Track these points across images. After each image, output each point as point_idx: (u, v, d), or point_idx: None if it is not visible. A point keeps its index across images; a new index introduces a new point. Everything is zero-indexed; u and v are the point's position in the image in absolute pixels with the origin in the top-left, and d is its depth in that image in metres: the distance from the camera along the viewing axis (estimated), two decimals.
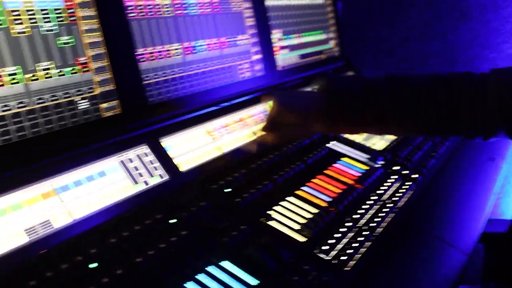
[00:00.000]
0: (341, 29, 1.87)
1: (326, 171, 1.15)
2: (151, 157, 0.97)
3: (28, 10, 0.83)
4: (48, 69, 0.86)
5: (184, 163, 1.01)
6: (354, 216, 0.98)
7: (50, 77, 0.86)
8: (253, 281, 0.74)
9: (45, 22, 0.85)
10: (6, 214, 0.73)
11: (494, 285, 1.24)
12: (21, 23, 0.82)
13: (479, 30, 2.01)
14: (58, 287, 0.65)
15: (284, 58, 1.50)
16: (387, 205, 1.05)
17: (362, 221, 0.98)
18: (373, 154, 1.28)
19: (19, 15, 0.81)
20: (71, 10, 0.90)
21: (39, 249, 0.72)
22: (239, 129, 1.19)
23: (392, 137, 1.46)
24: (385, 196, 1.10)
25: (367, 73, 1.98)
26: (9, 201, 0.74)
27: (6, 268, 0.67)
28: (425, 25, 2.11)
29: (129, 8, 1.01)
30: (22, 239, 0.72)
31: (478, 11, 1.99)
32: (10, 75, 0.80)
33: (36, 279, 0.65)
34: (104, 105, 0.95)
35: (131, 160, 0.94)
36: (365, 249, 0.89)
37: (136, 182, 0.91)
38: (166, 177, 0.96)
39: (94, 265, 0.70)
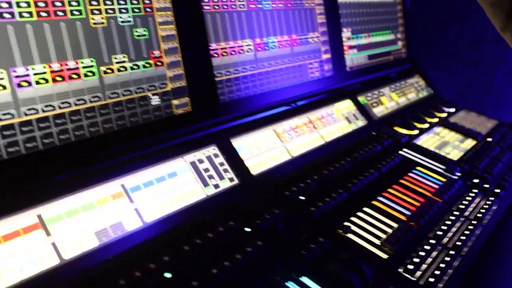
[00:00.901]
0: (408, 29, 1.77)
1: (401, 181, 1.06)
2: (221, 158, 0.92)
3: (106, 0, 0.79)
4: (122, 62, 0.82)
5: (255, 166, 0.95)
6: (437, 233, 0.90)
7: (124, 70, 0.82)
8: None
9: (121, 13, 0.82)
10: (76, 215, 0.69)
11: None
12: (99, 13, 0.78)
13: None
14: None
15: (352, 58, 1.42)
16: (472, 222, 0.96)
17: (446, 239, 0.90)
18: (450, 164, 1.19)
19: (98, 5, 0.78)
20: (148, 1, 0.86)
21: (110, 254, 0.68)
22: (308, 132, 1.12)
23: (467, 147, 1.36)
24: (467, 212, 1.01)
25: (433, 76, 1.87)
26: (78, 201, 0.70)
27: (75, 272, 0.63)
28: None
29: (204, 0, 0.96)
30: (92, 242, 0.68)
31: None
32: (85, 67, 0.76)
33: (109, 286, 0.61)
34: (176, 102, 0.90)
35: (201, 161, 0.89)
36: (452, 270, 0.81)
37: (206, 185, 0.86)
38: (236, 180, 0.90)
39: (169, 275, 0.65)
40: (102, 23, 0.78)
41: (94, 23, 0.78)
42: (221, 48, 1.00)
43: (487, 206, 1.04)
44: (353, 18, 1.43)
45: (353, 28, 1.43)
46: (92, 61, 0.77)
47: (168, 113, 0.89)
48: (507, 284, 0.86)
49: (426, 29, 2.16)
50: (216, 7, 0.99)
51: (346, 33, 1.40)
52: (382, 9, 1.60)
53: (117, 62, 0.81)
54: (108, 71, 0.80)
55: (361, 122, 1.30)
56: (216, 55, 0.98)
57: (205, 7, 0.96)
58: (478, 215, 1.00)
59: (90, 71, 0.77)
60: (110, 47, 0.80)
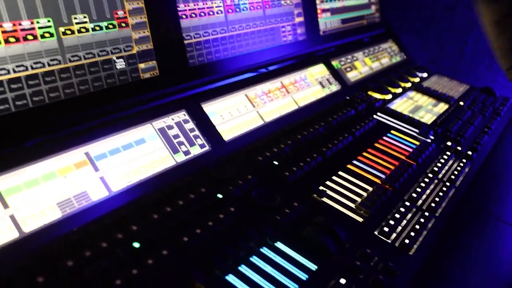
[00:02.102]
0: None
1: (376, 145, 1.05)
2: (191, 124, 0.88)
3: None
4: (83, 22, 0.76)
5: (227, 132, 0.92)
6: (412, 195, 0.90)
7: (86, 32, 0.77)
8: (311, 266, 0.66)
9: None
10: (36, 185, 0.65)
11: None
12: None
13: None
14: (99, 269, 0.57)
15: (326, 22, 1.39)
16: (446, 184, 0.96)
17: (420, 201, 0.89)
18: (424, 128, 1.18)
19: None
20: None
21: (75, 225, 0.65)
22: (281, 97, 1.09)
23: (440, 111, 1.36)
24: (441, 174, 1.01)
25: (406, 41, 1.85)
26: (39, 171, 0.66)
27: (37, 246, 0.60)
28: None
29: None
30: (54, 214, 0.64)
31: None
32: (42, 27, 0.71)
33: (74, 258, 0.57)
34: (142, 66, 0.86)
35: (170, 127, 0.85)
36: (426, 231, 0.81)
37: (175, 152, 0.83)
38: (207, 147, 0.87)
39: (137, 244, 0.62)
40: None
41: None
42: (190, 9, 0.95)
43: (460, 168, 1.04)
44: None
45: None
46: (49, 21, 0.72)
47: (134, 78, 0.84)
48: (476, 242, 0.86)
49: None
50: None
51: None
52: None
53: (77, 23, 0.76)
54: (68, 32, 0.74)
55: (334, 87, 1.27)
56: (184, 16, 0.93)
57: None
58: (452, 177, 1.00)
59: (48, 32, 0.71)
60: (69, 6, 0.74)
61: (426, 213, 0.85)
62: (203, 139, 0.88)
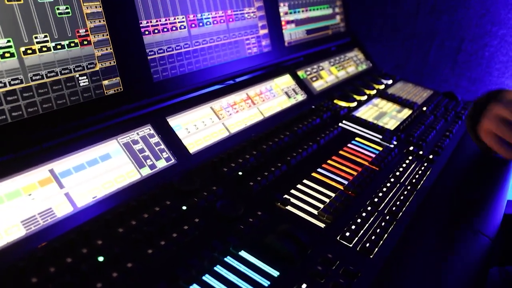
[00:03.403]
0: (347, 3, 1.79)
1: (340, 152, 1.09)
2: (157, 138, 0.90)
3: None
4: (44, 41, 0.78)
5: (193, 145, 0.94)
6: (374, 200, 0.93)
7: (47, 50, 0.78)
8: (274, 273, 0.68)
9: None
10: (0, 204, 0.66)
11: (510, 268, 1.20)
12: None
13: (488, 5, 1.94)
14: (63, 284, 0.58)
15: (290, 33, 1.42)
16: (407, 188, 1.00)
17: (382, 205, 0.92)
18: (387, 134, 1.22)
19: None
20: None
21: (40, 242, 0.65)
22: (246, 108, 1.11)
23: (403, 116, 1.40)
24: (403, 178, 1.04)
25: (372, 49, 1.90)
26: (2, 189, 0.67)
27: (1, 265, 0.60)
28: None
29: None
30: (18, 232, 0.65)
31: None
32: (2, 48, 0.72)
33: (38, 275, 0.58)
34: (106, 83, 0.87)
35: (135, 142, 0.86)
36: (388, 234, 0.84)
37: (141, 166, 0.84)
38: (173, 160, 0.89)
39: (102, 258, 0.63)
40: (18, 0, 0.74)
41: (9, 0, 0.73)
42: (153, 25, 0.97)
43: (421, 172, 1.08)
44: None
45: (290, 3, 1.43)
46: (9, 41, 0.73)
47: (98, 94, 0.86)
48: (437, 245, 0.89)
49: (365, 3, 2.19)
50: None
51: (283, 7, 1.39)
52: None
53: (38, 42, 0.77)
54: (29, 51, 0.75)
55: (300, 97, 1.31)
56: (147, 32, 0.95)
57: None
58: (413, 180, 1.03)
59: (8, 52, 0.72)
60: (29, 26, 0.75)
61: (388, 217, 0.88)
62: (169, 152, 0.90)
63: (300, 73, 1.39)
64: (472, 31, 2.02)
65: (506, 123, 1.00)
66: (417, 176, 1.05)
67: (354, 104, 1.39)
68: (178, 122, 0.95)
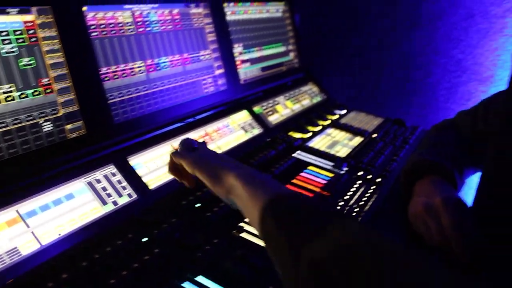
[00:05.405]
0: (299, 41, 1.92)
1: (293, 181, 1.17)
2: (119, 176, 0.96)
3: None
4: (9, 91, 0.84)
5: (153, 181, 1.00)
6: None
7: (12, 100, 0.84)
8: None
9: (4, 44, 0.84)
10: None
11: None
12: None
13: (430, 37, 2.10)
14: None
15: (245, 72, 1.52)
16: (354, 210, 1.08)
17: None
18: (338, 161, 1.31)
19: None
20: (32, 31, 0.89)
21: (7, 279, 0.70)
22: None
23: (355, 144, 1.50)
24: (352, 201, 1.13)
25: (328, 81, 2.03)
26: None
27: None
28: (382, 33, 2.19)
29: (91, 27, 1.01)
30: None
31: (428, 19, 2.08)
32: None
33: None
34: (69, 127, 0.94)
35: (98, 181, 0.93)
36: None
37: (104, 203, 0.90)
38: (135, 196, 0.95)
39: None
40: None
41: None
42: (112, 72, 1.04)
43: (368, 194, 1.17)
44: (243, 34, 1.53)
45: (244, 43, 1.53)
46: None
47: (61, 138, 0.92)
48: None
49: (319, 40, 2.33)
50: (104, 33, 1.03)
51: (237, 48, 1.50)
52: (271, 24, 1.72)
53: (3, 92, 0.83)
54: None
55: (257, 131, 1.39)
56: (107, 78, 1.03)
57: (93, 34, 1.01)
58: (361, 203, 1.12)
59: None
60: None
61: None
62: (131, 189, 0.96)
63: (256, 108, 1.48)
64: (417, 61, 2.17)
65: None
66: (364, 199, 1.14)
67: (309, 134, 1.49)
68: (139, 161, 1.02)
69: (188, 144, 0.88)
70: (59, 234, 0.80)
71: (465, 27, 2.02)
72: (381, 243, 0.52)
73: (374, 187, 1.22)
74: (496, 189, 0.95)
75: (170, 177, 1.04)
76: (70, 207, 0.85)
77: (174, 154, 0.87)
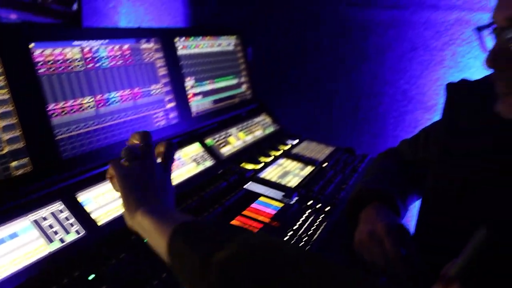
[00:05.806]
0: (252, 73, 1.97)
1: (244, 212, 1.19)
2: (67, 213, 0.96)
3: None
4: None
5: (102, 216, 1.00)
6: None
7: None
8: None
9: None
10: None
11: None
12: None
13: (377, 68, 2.21)
14: None
15: (197, 105, 1.55)
16: (303, 239, 1.11)
17: None
18: (287, 191, 1.35)
19: None
20: None
21: None
22: None
23: (305, 173, 1.54)
24: (301, 231, 1.16)
25: (281, 112, 2.08)
26: None
27: None
28: (331, 65, 2.28)
29: (39, 63, 1.01)
30: None
31: (375, 52, 2.19)
32: None
33: None
34: (14, 164, 0.93)
35: (45, 219, 0.92)
36: None
37: (51, 241, 0.89)
38: (83, 232, 0.95)
39: None
40: None
41: None
42: (61, 108, 1.04)
43: (317, 223, 1.20)
44: (195, 68, 1.57)
45: (196, 77, 1.57)
46: None
47: (6, 175, 0.91)
48: None
49: (274, 70, 2.40)
50: (52, 69, 1.04)
51: (189, 81, 1.53)
52: (223, 57, 1.76)
53: None
54: None
55: (209, 163, 1.41)
56: (55, 114, 1.03)
57: (40, 70, 1.01)
58: (309, 232, 1.15)
59: None
60: None
61: None
62: (79, 225, 0.95)
63: (208, 140, 1.50)
64: (366, 91, 2.27)
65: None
66: (313, 228, 1.18)
67: (260, 165, 1.52)
68: (89, 196, 1.02)
69: (129, 152, 0.80)
70: (2, 275, 0.79)
71: (410, 58, 2.14)
72: (283, 245, 0.65)
73: (323, 215, 1.26)
74: (433, 218, 1.01)
75: (118, 212, 1.04)
76: (13, 246, 0.84)
77: (113, 162, 0.81)
